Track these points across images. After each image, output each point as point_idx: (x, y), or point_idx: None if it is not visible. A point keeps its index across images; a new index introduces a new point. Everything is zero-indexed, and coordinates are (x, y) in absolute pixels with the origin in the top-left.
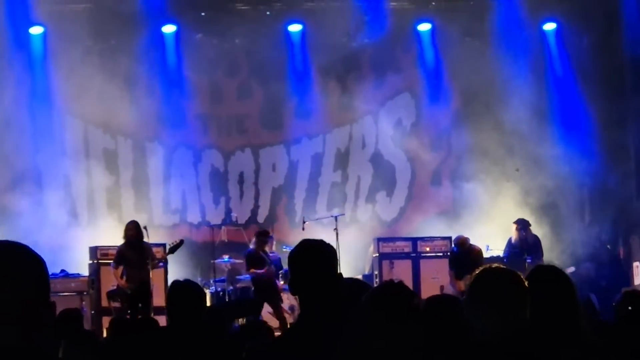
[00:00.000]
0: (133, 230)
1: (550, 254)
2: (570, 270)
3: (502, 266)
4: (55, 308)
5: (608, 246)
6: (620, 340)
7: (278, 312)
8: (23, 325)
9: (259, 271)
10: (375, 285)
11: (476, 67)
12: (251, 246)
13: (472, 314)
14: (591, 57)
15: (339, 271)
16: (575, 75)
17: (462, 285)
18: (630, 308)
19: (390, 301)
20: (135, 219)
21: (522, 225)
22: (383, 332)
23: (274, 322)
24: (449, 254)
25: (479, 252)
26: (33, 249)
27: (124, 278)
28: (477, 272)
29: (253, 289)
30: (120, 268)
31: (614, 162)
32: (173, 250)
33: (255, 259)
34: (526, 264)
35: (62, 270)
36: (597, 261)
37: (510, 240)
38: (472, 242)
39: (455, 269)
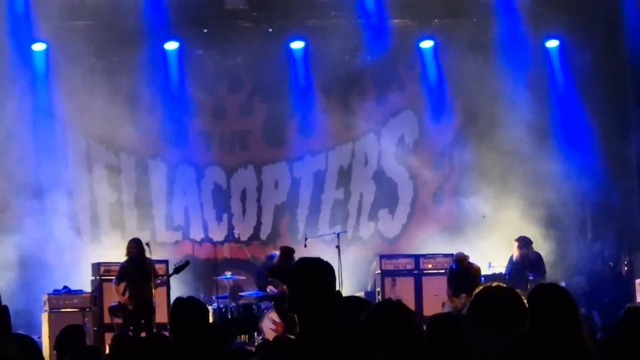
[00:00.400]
0: (135, 247)
1: (554, 271)
2: (561, 284)
3: (502, 285)
4: (8, 312)
5: (611, 263)
6: (623, 356)
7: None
8: None
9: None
10: (377, 302)
11: (479, 84)
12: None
13: (473, 332)
14: (593, 73)
15: (338, 289)
16: (577, 92)
17: (458, 303)
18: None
19: (389, 320)
20: (138, 236)
21: (524, 242)
22: (381, 351)
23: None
24: (448, 270)
25: (477, 270)
26: (32, 264)
27: (126, 294)
28: (477, 290)
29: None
30: (122, 284)
31: (617, 178)
32: (178, 270)
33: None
34: (529, 282)
35: (65, 287)
36: (597, 277)
37: (512, 257)
38: (473, 259)
39: (452, 286)
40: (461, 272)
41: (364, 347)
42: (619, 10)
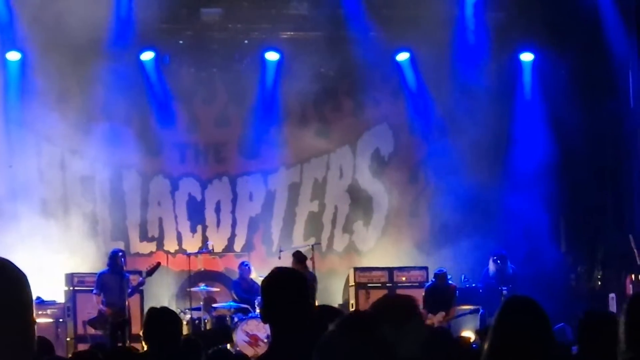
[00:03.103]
0: (118, 259)
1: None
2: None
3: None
4: (35, 327)
5: (584, 276)
6: None
7: None
8: (11, 343)
9: None
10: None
11: (453, 97)
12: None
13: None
14: (569, 87)
15: (311, 300)
16: (547, 101)
17: (435, 320)
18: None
19: (362, 327)
20: (113, 247)
21: (500, 258)
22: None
23: (248, 351)
24: (426, 285)
25: (454, 289)
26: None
27: (104, 305)
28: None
29: None
30: (101, 295)
31: (590, 193)
32: (151, 272)
33: None
34: (502, 294)
35: (38, 297)
36: (571, 292)
37: (487, 271)
38: (449, 274)
39: (429, 301)
40: (440, 289)
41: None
42: (597, 24)
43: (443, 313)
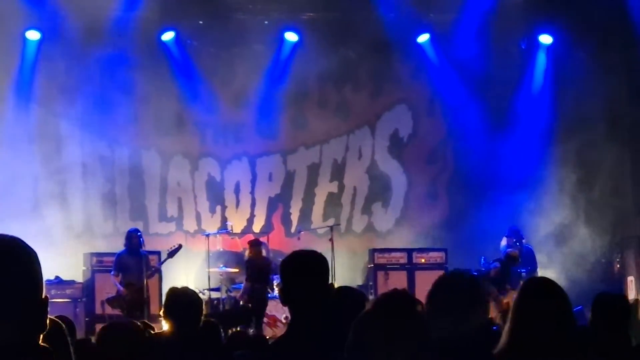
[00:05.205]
0: (134, 238)
1: (547, 265)
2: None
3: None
4: (48, 303)
5: (603, 260)
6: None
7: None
8: (20, 321)
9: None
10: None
11: (474, 80)
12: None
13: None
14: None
15: (330, 281)
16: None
17: (507, 300)
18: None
19: (395, 308)
20: (132, 227)
21: (515, 236)
22: (386, 340)
23: (267, 332)
24: (494, 267)
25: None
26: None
27: (122, 285)
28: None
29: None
30: (119, 275)
31: (611, 176)
32: (172, 254)
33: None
34: (521, 275)
35: (57, 277)
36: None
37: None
38: (466, 255)
39: (497, 286)
40: (508, 269)
41: (369, 336)
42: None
43: (509, 288)
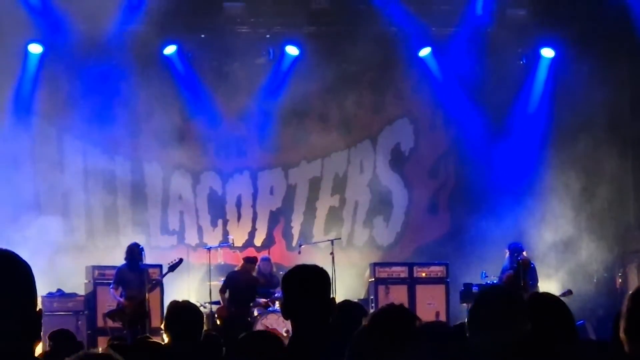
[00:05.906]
0: (135, 253)
1: (549, 279)
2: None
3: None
4: (42, 315)
5: (605, 274)
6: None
7: None
8: (17, 333)
9: None
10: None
11: (476, 92)
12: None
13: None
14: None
15: (332, 296)
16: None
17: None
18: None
19: (392, 324)
20: (134, 240)
21: (516, 250)
22: (384, 355)
23: None
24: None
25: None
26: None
27: (123, 299)
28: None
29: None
30: (120, 289)
31: (613, 189)
32: (173, 268)
33: None
34: (528, 284)
35: (59, 290)
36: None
37: (505, 266)
38: (467, 269)
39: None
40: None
41: (367, 351)
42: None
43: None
